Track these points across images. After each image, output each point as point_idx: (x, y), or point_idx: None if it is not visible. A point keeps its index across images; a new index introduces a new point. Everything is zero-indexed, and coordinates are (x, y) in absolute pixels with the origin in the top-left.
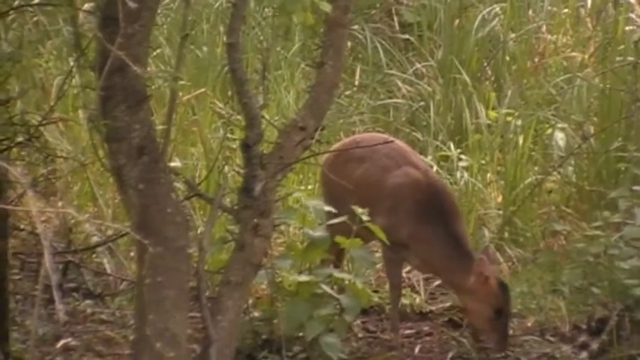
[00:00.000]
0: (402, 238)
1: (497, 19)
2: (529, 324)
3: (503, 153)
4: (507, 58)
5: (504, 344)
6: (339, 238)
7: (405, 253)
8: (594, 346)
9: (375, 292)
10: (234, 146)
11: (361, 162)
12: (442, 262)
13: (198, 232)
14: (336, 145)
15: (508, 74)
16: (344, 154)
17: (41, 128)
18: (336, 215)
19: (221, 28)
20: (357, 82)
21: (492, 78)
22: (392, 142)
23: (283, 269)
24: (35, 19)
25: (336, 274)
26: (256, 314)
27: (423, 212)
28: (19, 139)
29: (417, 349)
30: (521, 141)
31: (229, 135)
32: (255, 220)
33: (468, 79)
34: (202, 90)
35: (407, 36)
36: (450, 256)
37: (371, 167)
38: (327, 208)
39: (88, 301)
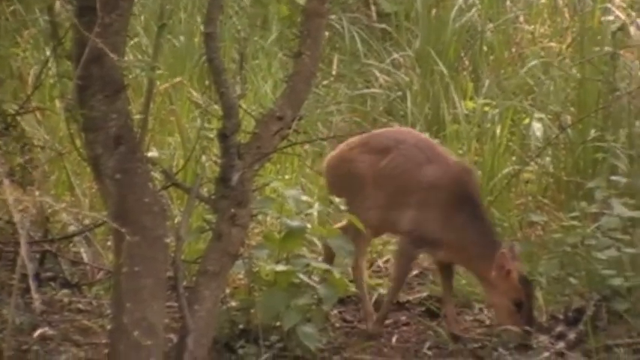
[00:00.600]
0: (433, 231)
1: (474, 8)
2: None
3: (481, 143)
4: (485, 48)
5: (527, 338)
6: (316, 227)
7: (429, 247)
8: (571, 336)
9: (352, 281)
10: (212, 136)
11: (386, 153)
12: (473, 253)
13: (176, 221)
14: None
15: (486, 64)
16: (363, 146)
17: (18, 117)
18: (355, 207)
19: (198, 18)
20: (334, 72)
21: (470, 68)
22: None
23: (260, 259)
24: (12, 8)
25: (314, 263)
26: (233, 304)
27: (456, 205)
28: None
29: (394, 339)
30: (498, 131)
31: (206, 125)
32: (233, 210)
33: (445, 70)
34: (179, 79)
35: (384, 26)
36: (480, 248)
37: (398, 158)
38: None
39: (65, 291)
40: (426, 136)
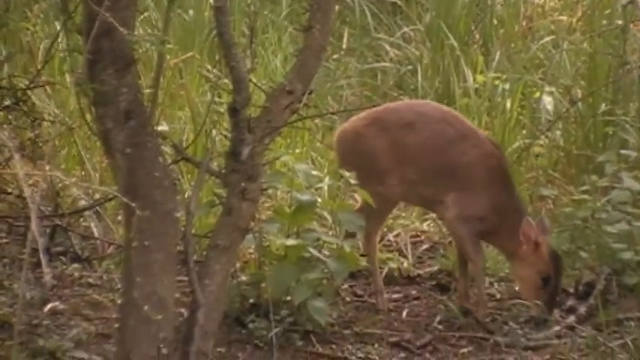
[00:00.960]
0: (480, 210)
1: None
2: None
3: (491, 117)
4: (495, 21)
5: (547, 314)
6: (327, 201)
7: (481, 225)
8: (582, 310)
9: (363, 256)
10: (222, 110)
11: (410, 128)
12: (505, 229)
13: (186, 195)
14: (362, 114)
15: (496, 38)
16: (381, 121)
17: (28, 92)
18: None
19: None
20: (344, 46)
21: (480, 42)
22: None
23: (271, 233)
24: None
25: (324, 237)
26: (244, 278)
27: (494, 182)
28: (6, 102)
29: (404, 313)
30: (508, 105)
31: (217, 99)
32: (243, 184)
33: (455, 43)
34: (190, 54)
35: None
36: (511, 224)
37: (426, 133)
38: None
39: (75, 265)
40: (446, 107)
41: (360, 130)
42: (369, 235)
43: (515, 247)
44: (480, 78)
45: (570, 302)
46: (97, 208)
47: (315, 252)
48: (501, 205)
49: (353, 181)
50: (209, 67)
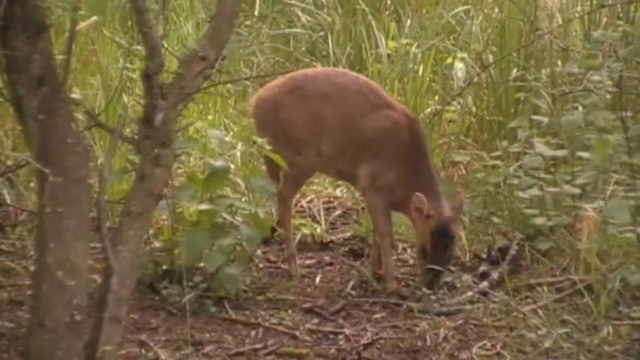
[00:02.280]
0: (390, 182)
1: None
2: None
3: (403, 83)
4: None
5: (423, 285)
6: (240, 167)
7: (391, 196)
8: (494, 275)
9: (274, 230)
10: (135, 76)
11: (327, 99)
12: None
13: (99, 162)
14: (279, 80)
15: (408, 4)
16: (299, 90)
17: None
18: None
19: None
20: (257, 12)
21: (392, 8)
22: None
23: (184, 199)
24: None
25: (237, 203)
26: (157, 244)
27: (406, 154)
28: None
29: (317, 279)
30: (420, 71)
31: (129, 65)
32: (156, 151)
33: (367, 9)
34: (94, 19)
35: None
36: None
37: (342, 106)
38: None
39: None
40: (363, 78)
41: (277, 99)
42: (284, 199)
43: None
44: (391, 44)
45: (483, 267)
46: (9, 174)
47: (228, 218)
48: (411, 178)
49: (267, 147)
50: (117, 33)
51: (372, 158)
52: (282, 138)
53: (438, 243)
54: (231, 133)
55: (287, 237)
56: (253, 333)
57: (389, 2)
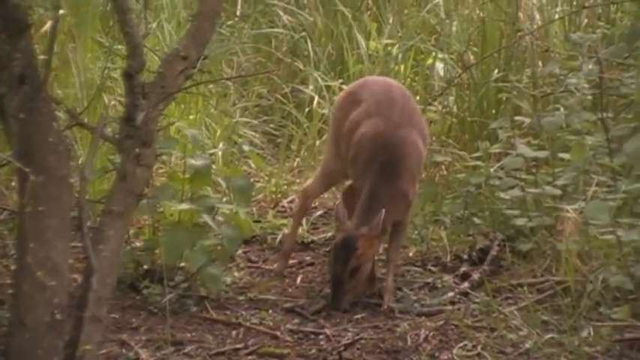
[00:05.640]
0: (356, 187)
1: None
2: (410, 254)
3: None
4: None
5: (331, 304)
6: (221, 168)
7: None
8: (475, 276)
9: (257, 222)
10: (116, 75)
11: (358, 105)
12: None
13: (80, 161)
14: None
15: (388, 4)
16: (354, 95)
17: None
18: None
19: None
20: (238, 12)
21: (373, 8)
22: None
23: (165, 199)
24: None
25: (219, 204)
26: (138, 244)
27: (369, 164)
28: None
29: (299, 279)
30: (401, 71)
31: (111, 64)
32: (137, 150)
33: (348, 10)
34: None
35: None
36: (357, 207)
37: (356, 112)
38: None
39: None
40: (392, 82)
41: (341, 97)
42: (307, 197)
43: None
44: (372, 44)
45: (464, 268)
46: None
47: (209, 218)
48: (362, 190)
49: (246, 148)
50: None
51: (351, 161)
52: (332, 135)
53: (339, 255)
54: (212, 133)
55: (289, 235)
56: (234, 333)
57: (370, 2)
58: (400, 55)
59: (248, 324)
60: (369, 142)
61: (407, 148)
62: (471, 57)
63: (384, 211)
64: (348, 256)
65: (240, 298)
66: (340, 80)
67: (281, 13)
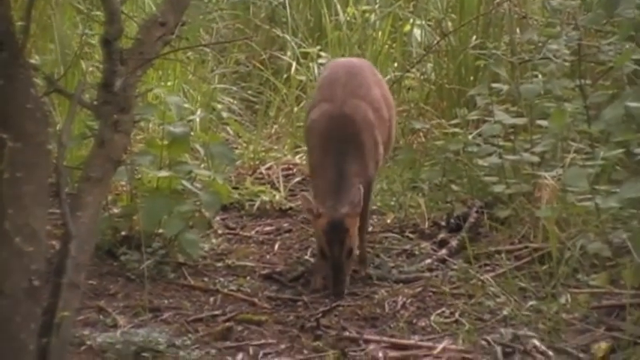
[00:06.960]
0: (310, 169)
1: None
2: (388, 221)
3: (362, 50)
4: None
5: (334, 290)
6: (199, 134)
7: None
8: (453, 242)
9: (235, 188)
10: (94, 42)
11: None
12: (319, 195)
13: (58, 127)
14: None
15: None
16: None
17: None
18: None
19: None
20: None
21: None
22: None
23: (143, 165)
24: None
25: (197, 170)
26: (116, 210)
27: (325, 147)
28: None
29: (276, 246)
30: (379, 38)
31: (89, 31)
32: (115, 116)
33: None
34: None
35: None
36: (326, 191)
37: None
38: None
39: None
40: (358, 61)
41: None
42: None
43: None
44: (350, 11)
45: (442, 235)
46: None
47: (187, 184)
48: (322, 171)
49: (225, 115)
50: None
51: (306, 144)
52: None
53: (333, 239)
54: (191, 100)
55: None
56: (212, 299)
57: None
58: (378, 22)
59: (226, 290)
60: (318, 126)
61: (356, 124)
62: (449, 24)
63: (361, 186)
64: (342, 238)
65: (218, 264)
66: (318, 47)
67: None
